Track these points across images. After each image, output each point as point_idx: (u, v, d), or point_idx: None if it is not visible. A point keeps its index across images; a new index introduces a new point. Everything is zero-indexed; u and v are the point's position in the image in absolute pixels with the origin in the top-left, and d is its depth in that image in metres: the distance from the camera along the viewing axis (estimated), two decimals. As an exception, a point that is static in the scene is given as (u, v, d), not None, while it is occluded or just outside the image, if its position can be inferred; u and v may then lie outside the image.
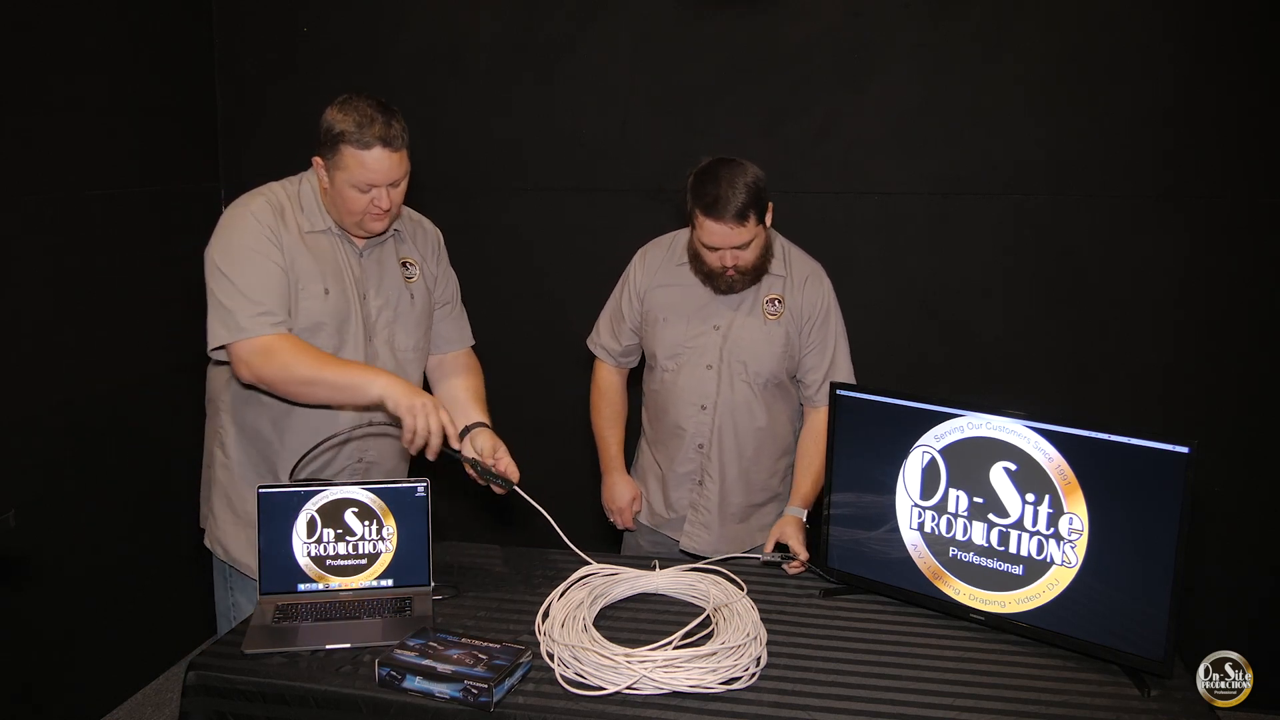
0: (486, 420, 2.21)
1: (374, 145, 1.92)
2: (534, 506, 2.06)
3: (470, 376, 2.32)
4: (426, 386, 2.30)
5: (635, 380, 2.57)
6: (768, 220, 2.22)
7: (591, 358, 2.58)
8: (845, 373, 2.36)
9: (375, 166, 1.93)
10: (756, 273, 2.25)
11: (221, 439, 2.12)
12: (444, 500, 2.16)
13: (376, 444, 2.14)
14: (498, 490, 2.07)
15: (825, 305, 2.32)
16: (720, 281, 2.25)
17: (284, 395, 1.98)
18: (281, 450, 2.07)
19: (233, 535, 2.11)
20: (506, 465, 2.08)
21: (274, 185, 2.08)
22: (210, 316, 1.97)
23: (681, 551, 2.43)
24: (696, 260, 2.27)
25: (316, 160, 2.01)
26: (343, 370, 1.94)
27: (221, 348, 1.96)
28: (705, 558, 2.23)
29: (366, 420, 2.08)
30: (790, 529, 2.20)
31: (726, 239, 2.16)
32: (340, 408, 2.05)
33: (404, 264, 2.18)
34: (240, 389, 2.06)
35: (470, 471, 2.06)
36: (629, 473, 2.56)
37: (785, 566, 2.15)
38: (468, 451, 2.09)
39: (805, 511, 2.27)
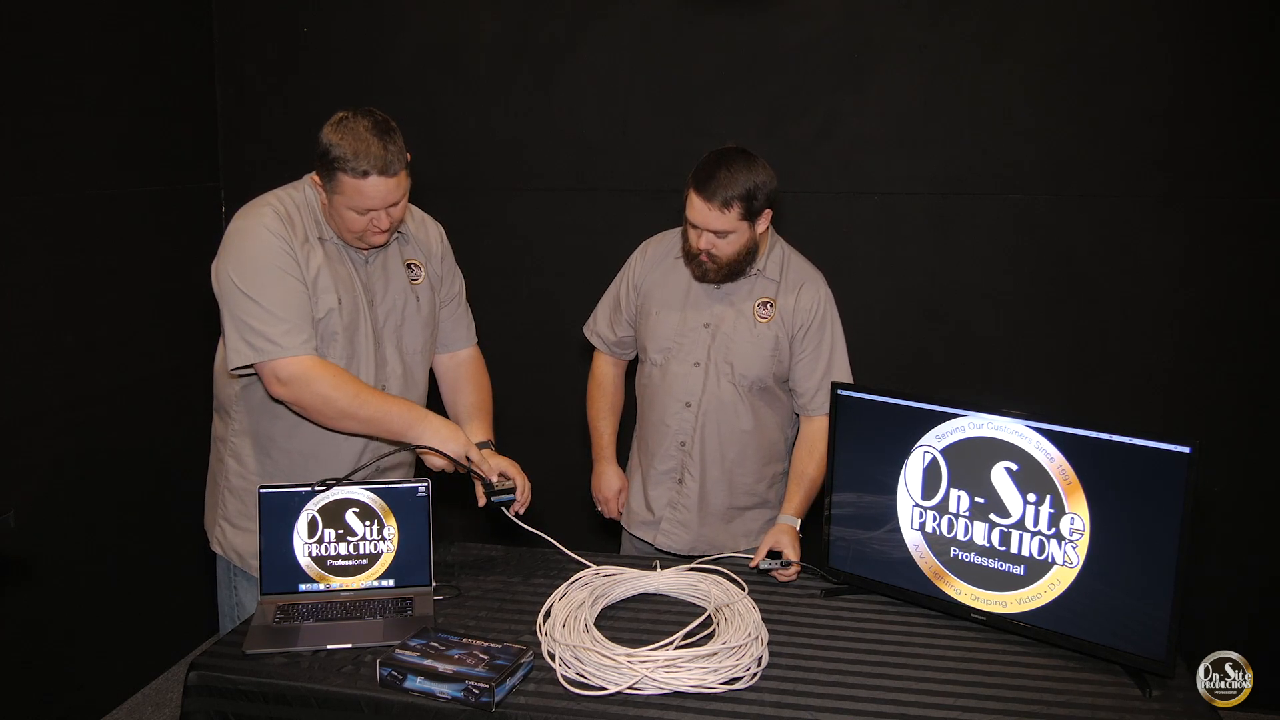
0: (490, 438, 2.21)
1: (370, 174, 1.89)
2: (540, 535, 2.08)
3: (476, 390, 2.31)
4: (433, 385, 2.30)
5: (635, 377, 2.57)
6: (759, 226, 2.21)
7: (589, 350, 2.59)
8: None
9: (371, 193, 1.91)
10: (732, 269, 2.25)
11: (236, 450, 2.11)
12: (445, 501, 2.16)
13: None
14: (506, 512, 2.07)
15: (820, 314, 2.30)
16: (695, 265, 2.26)
17: (315, 421, 1.98)
18: (300, 459, 2.06)
19: (252, 545, 2.07)
20: (522, 486, 2.08)
21: (278, 193, 2.04)
22: (230, 336, 1.94)
23: (659, 550, 2.42)
24: (683, 237, 2.28)
25: (314, 179, 1.99)
26: (382, 411, 1.96)
27: (247, 366, 1.94)
28: (683, 556, 2.23)
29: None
30: (785, 537, 2.18)
31: (704, 219, 2.16)
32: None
33: (409, 265, 2.17)
34: (256, 400, 2.05)
35: (480, 491, 2.06)
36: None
37: (776, 574, 2.13)
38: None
39: (799, 521, 2.25)
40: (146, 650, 3.29)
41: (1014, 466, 1.86)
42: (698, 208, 2.16)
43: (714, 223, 2.16)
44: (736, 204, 2.13)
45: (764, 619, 1.85)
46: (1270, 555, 3.11)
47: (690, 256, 2.26)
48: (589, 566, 2.05)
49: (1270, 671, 2.32)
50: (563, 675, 1.67)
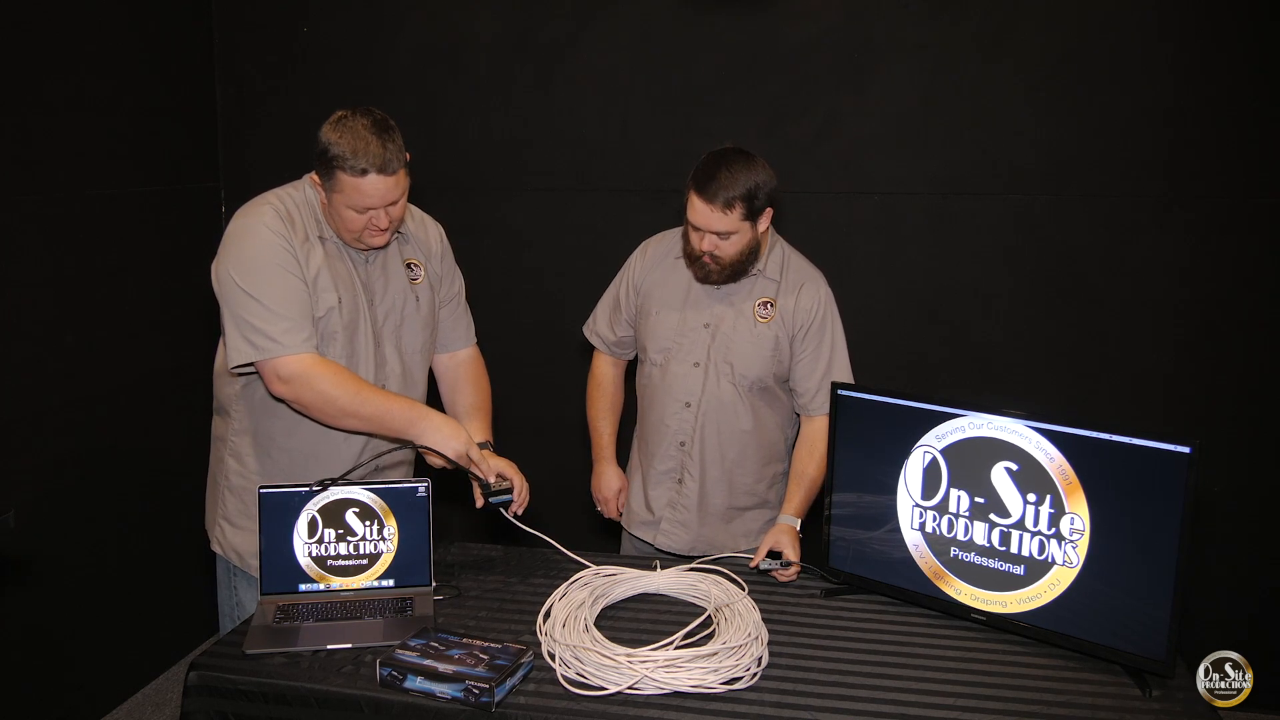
0: (489, 438, 2.21)
1: (369, 172, 1.89)
2: (538, 535, 2.09)
3: (475, 390, 2.31)
4: (432, 385, 2.30)
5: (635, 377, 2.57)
6: (760, 225, 2.21)
7: (589, 350, 2.59)
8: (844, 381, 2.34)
9: (370, 191, 1.91)
10: (735, 270, 2.25)
11: (236, 449, 2.11)
12: (445, 501, 2.16)
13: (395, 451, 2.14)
14: (504, 513, 2.07)
15: (820, 314, 2.30)
16: (698, 267, 2.26)
17: (316, 419, 1.98)
18: (300, 458, 2.06)
19: (252, 545, 2.06)
20: (519, 487, 2.07)
21: (278, 192, 2.04)
22: (231, 334, 1.94)
23: (659, 550, 2.42)
24: (685, 239, 2.28)
25: (313, 178, 1.99)
26: (383, 409, 1.95)
27: (248, 365, 1.94)
28: (683, 556, 2.22)
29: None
30: (785, 537, 2.18)
31: (707, 221, 2.16)
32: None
33: (409, 265, 2.17)
34: (256, 399, 2.05)
35: (478, 492, 2.06)
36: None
37: (776, 574, 2.12)
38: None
39: (799, 521, 2.25)
40: (146, 650, 3.29)
41: (1014, 466, 1.86)
42: (699, 210, 2.16)
43: (716, 224, 2.16)
44: (738, 204, 2.13)
45: (764, 619, 1.85)
46: (1270, 555, 3.11)
47: (692, 258, 2.26)
48: (589, 566, 2.04)
49: (1270, 671, 2.31)
50: (563, 675, 1.67)
